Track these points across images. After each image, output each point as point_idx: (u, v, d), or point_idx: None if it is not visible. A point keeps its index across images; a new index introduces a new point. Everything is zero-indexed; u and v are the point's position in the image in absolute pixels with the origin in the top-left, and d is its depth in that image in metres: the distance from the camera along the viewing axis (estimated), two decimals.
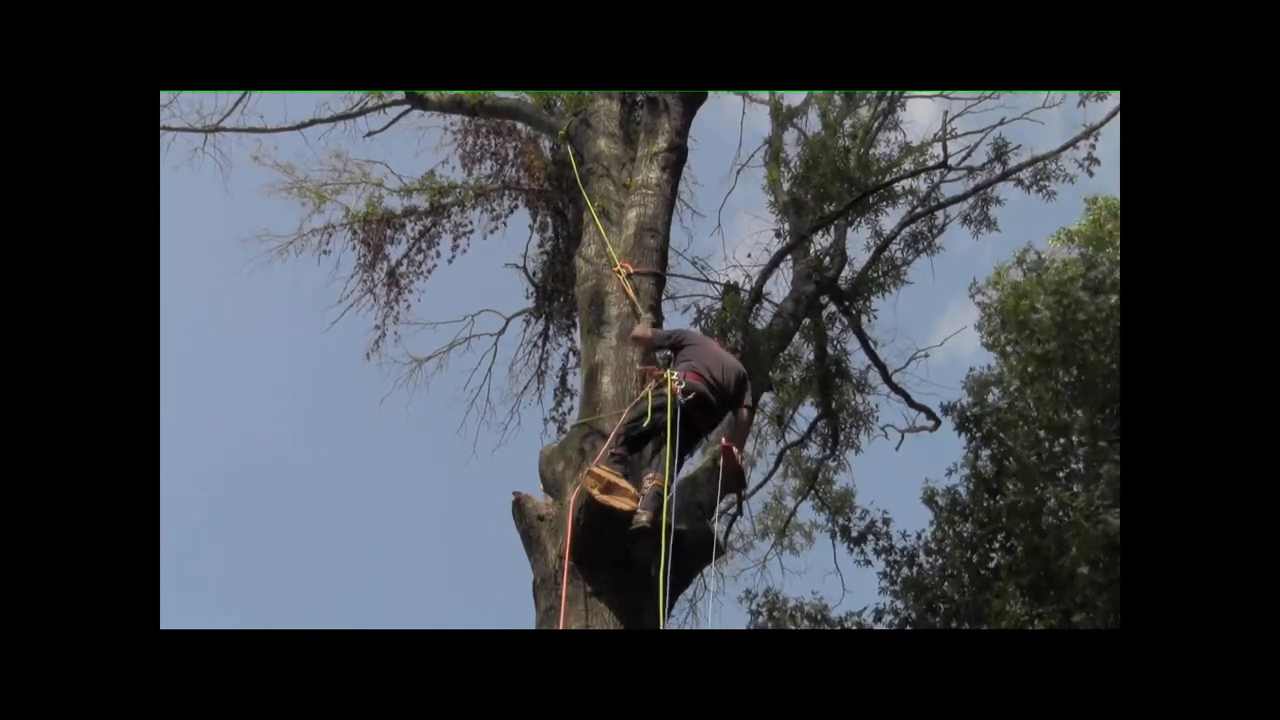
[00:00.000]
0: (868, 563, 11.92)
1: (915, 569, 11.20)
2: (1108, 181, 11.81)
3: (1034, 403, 10.36)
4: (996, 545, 10.48)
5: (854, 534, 12.07)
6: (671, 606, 4.97)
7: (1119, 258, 9.40)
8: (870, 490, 23.66)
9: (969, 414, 11.14)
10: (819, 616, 11.78)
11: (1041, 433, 10.30)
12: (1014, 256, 11.74)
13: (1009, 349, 11.18)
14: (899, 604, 11.04)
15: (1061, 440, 10.24)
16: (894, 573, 11.40)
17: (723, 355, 5.41)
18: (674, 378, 4.96)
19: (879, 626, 11.04)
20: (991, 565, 10.36)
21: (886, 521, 11.94)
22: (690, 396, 4.89)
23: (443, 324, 11.83)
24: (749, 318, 9.86)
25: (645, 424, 4.84)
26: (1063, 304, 9.86)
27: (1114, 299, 9.26)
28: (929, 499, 11.31)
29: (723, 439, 5.33)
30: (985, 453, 10.96)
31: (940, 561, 10.93)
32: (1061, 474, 10.17)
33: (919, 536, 11.36)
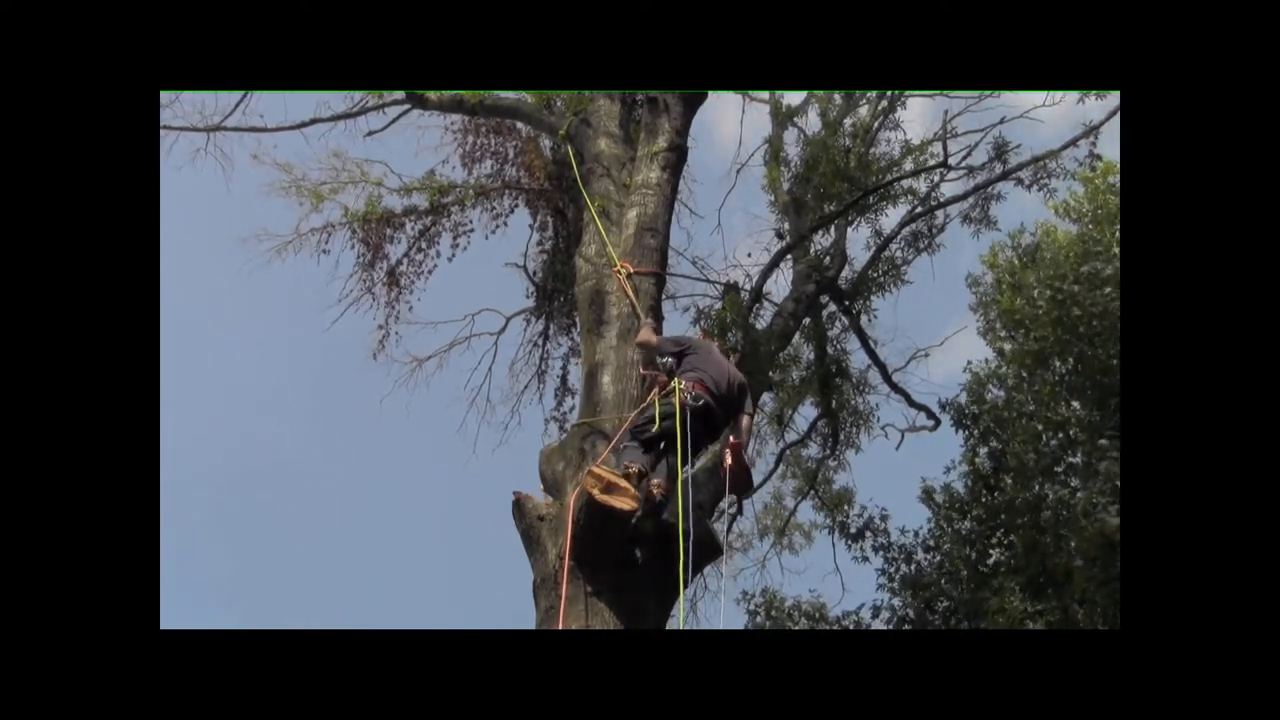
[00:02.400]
0: (865, 560, 11.92)
1: (914, 566, 11.18)
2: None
3: (1031, 398, 10.35)
4: (995, 541, 10.47)
5: (851, 530, 12.06)
6: (671, 607, 4.97)
7: (1114, 246, 9.39)
8: (870, 489, 23.73)
9: (967, 410, 11.13)
10: (817, 615, 11.77)
11: (1039, 427, 10.29)
12: (1009, 237, 11.74)
13: (1003, 332, 11.19)
14: (896, 601, 11.03)
15: (1059, 435, 10.23)
16: (892, 570, 11.39)
17: (726, 365, 5.46)
18: (683, 387, 4.98)
19: (877, 623, 11.02)
20: (990, 562, 10.35)
21: (884, 518, 11.94)
22: (699, 404, 4.93)
23: (443, 323, 11.85)
24: (749, 318, 9.86)
25: (654, 429, 4.86)
26: (1058, 298, 9.86)
27: (1108, 290, 9.25)
28: (927, 496, 11.31)
29: (730, 439, 5.34)
30: (984, 449, 10.95)
31: (938, 558, 10.92)
32: (1059, 468, 10.16)
33: (916, 535, 11.36)
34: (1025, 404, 10.39)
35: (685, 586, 4.25)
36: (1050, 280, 10.06)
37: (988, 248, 11.68)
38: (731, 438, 5.38)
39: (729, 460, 5.20)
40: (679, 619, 4.17)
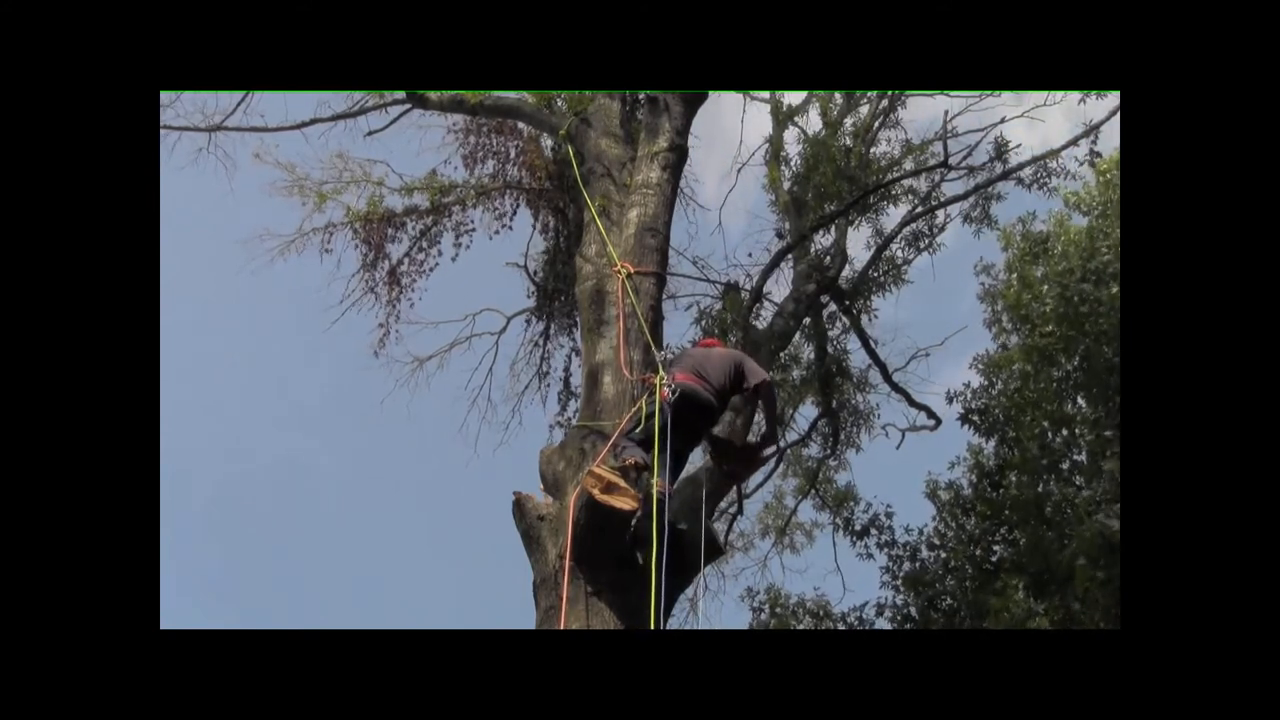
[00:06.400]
0: (870, 557, 11.92)
1: (918, 563, 11.18)
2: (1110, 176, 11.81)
3: (1037, 395, 10.35)
4: (999, 538, 10.47)
5: (856, 528, 12.06)
6: (671, 606, 4.98)
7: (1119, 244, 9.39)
8: (872, 487, 23.68)
9: (972, 405, 11.11)
10: (820, 613, 11.77)
11: (1045, 424, 10.29)
12: (1021, 222, 11.74)
13: (1009, 325, 11.20)
14: (899, 599, 11.03)
15: (1064, 432, 10.23)
16: (896, 567, 11.39)
17: (711, 352, 5.44)
18: (663, 381, 5.00)
19: (881, 621, 11.03)
20: (994, 559, 10.35)
21: (889, 515, 11.95)
22: (678, 396, 4.92)
23: (444, 323, 11.86)
24: (749, 318, 9.86)
25: (638, 431, 4.87)
26: (1065, 295, 9.86)
27: (1115, 289, 9.25)
28: (931, 493, 11.30)
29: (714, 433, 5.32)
30: (989, 445, 10.93)
31: (943, 555, 10.91)
32: (1064, 465, 10.16)
33: (920, 532, 11.36)
34: (1031, 399, 10.39)
35: (660, 585, 4.22)
36: (1058, 276, 10.06)
37: (995, 261, 11.76)
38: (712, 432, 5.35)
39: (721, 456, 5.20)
40: (653, 617, 4.13)
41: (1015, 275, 10.98)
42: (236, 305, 27.14)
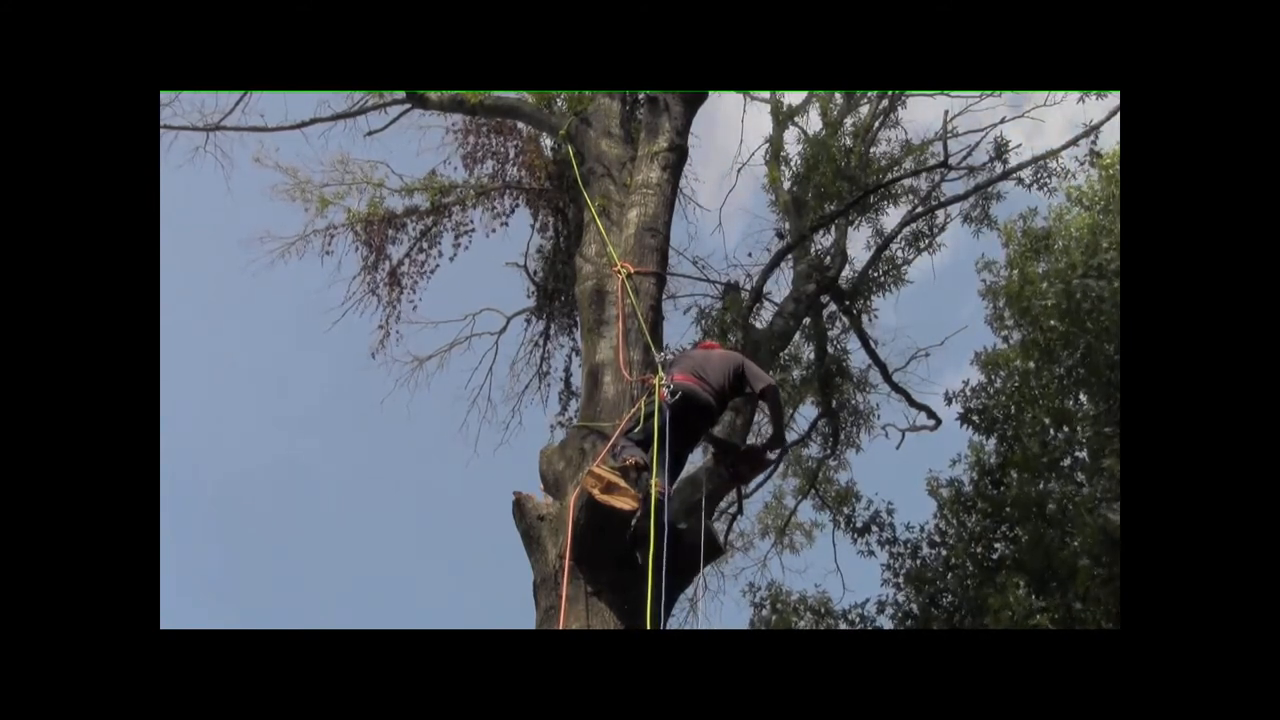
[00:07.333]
0: (871, 554, 11.91)
1: (919, 561, 11.16)
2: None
3: (1038, 391, 10.34)
4: (1000, 535, 10.46)
5: (857, 525, 12.05)
6: (671, 606, 4.98)
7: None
8: (872, 486, 23.65)
9: (971, 405, 11.10)
10: (821, 610, 11.76)
11: (1046, 420, 10.28)
12: (1022, 219, 11.74)
13: (1011, 321, 11.21)
14: (900, 596, 11.02)
15: (1064, 429, 10.23)
16: (897, 565, 11.39)
17: (711, 353, 5.44)
18: (662, 382, 4.99)
19: (882, 618, 11.02)
20: (995, 557, 10.34)
21: (890, 513, 11.94)
22: (678, 397, 4.92)
23: (444, 323, 11.87)
24: (749, 318, 9.86)
25: (637, 431, 4.87)
26: (1067, 290, 9.85)
27: (1116, 285, 9.24)
28: (932, 490, 11.30)
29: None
30: (990, 442, 10.92)
31: (944, 553, 10.90)
32: (1065, 462, 10.15)
33: (922, 529, 11.36)
34: (1031, 396, 10.38)
35: (659, 585, 4.21)
36: (1059, 272, 10.06)
37: (998, 259, 11.76)
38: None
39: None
40: (649, 617, 4.12)
41: (1017, 271, 10.99)
42: (236, 305, 27.15)
